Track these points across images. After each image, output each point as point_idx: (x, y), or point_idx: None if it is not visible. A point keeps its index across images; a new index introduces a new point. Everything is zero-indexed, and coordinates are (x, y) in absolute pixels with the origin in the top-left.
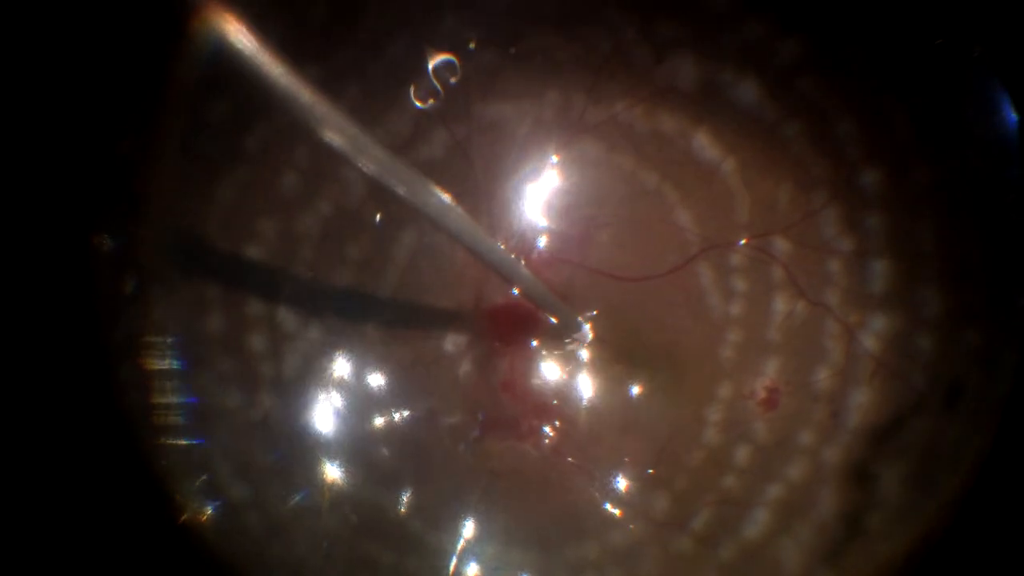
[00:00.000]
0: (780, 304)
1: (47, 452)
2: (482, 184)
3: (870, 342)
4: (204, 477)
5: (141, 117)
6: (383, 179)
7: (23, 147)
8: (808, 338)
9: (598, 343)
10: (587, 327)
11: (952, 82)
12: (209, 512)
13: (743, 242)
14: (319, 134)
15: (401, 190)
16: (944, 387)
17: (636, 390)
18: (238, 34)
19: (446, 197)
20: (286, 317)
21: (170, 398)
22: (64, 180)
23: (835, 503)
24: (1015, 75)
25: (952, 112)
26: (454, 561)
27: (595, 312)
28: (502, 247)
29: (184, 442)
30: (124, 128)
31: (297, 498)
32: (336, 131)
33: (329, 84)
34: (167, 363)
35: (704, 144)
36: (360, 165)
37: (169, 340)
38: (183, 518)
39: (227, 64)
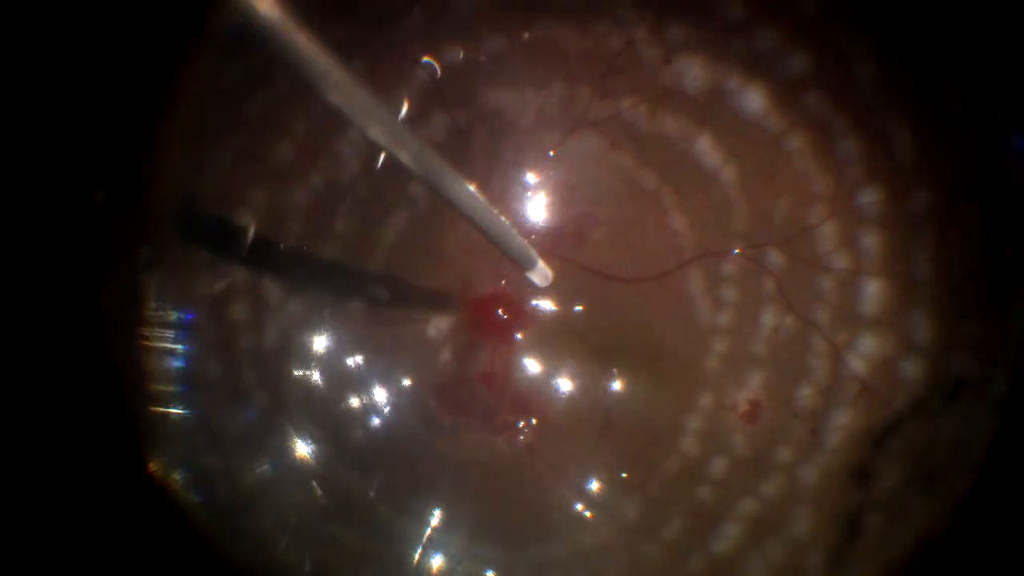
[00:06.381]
0: (769, 317)
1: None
2: (480, 171)
3: (856, 363)
4: (179, 444)
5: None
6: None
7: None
8: (794, 354)
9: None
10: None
11: (960, 108)
12: (180, 479)
13: (737, 251)
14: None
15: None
16: (944, 387)
17: (616, 392)
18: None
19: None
20: (270, 288)
21: (154, 364)
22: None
23: (833, 504)
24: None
25: (957, 138)
26: (419, 550)
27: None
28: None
29: (161, 408)
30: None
31: (266, 471)
32: (345, 95)
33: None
34: (153, 328)
35: (706, 149)
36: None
37: (157, 306)
38: (155, 483)
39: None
